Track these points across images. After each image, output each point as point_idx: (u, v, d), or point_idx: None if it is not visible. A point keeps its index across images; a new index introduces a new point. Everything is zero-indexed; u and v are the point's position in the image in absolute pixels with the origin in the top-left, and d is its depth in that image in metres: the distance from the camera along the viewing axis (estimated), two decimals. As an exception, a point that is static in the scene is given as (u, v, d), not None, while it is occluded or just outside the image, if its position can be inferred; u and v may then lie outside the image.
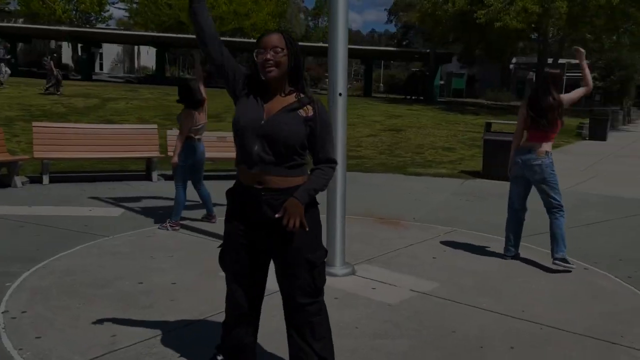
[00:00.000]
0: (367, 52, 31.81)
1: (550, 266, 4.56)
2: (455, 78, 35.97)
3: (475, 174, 10.37)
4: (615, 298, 4.00)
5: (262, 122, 2.33)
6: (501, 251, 4.98)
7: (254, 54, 2.36)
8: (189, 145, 5.60)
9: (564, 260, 4.44)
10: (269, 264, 2.56)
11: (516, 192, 4.80)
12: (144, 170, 8.91)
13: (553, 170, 4.55)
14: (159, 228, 5.56)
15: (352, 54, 38.59)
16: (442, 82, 34.56)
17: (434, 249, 5.19)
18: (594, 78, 34.55)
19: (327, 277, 4.03)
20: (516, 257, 4.89)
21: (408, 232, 5.80)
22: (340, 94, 4.14)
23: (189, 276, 4.14)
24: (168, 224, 5.56)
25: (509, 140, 10.02)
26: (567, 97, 4.60)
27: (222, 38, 2.57)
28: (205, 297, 3.71)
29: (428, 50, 30.43)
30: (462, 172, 10.64)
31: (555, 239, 4.51)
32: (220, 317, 3.34)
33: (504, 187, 9.19)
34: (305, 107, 2.38)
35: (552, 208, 4.57)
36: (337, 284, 4.06)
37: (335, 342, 2.55)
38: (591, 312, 3.70)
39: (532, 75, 46.98)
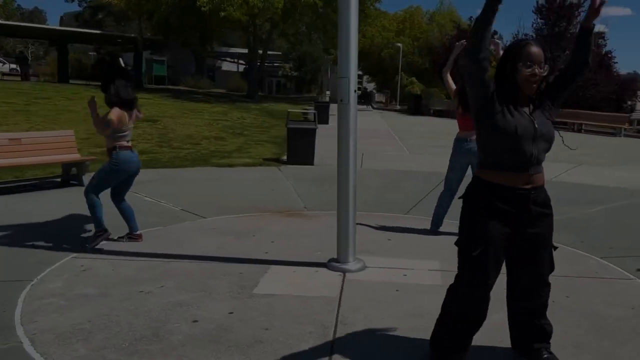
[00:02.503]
0: (62, 34, 28.27)
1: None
2: (156, 64, 35.08)
3: (276, 161, 10.91)
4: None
5: (536, 125, 2.47)
6: (417, 225, 5.78)
7: (519, 64, 2.43)
8: (127, 156, 4.67)
9: None
10: None
11: (458, 178, 5.43)
12: None
13: None
14: (88, 246, 4.66)
15: (43, 35, 33.44)
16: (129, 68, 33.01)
17: (372, 233, 5.60)
18: (289, 69, 38.88)
19: (348, 274, 4.14)
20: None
21: (327, 221, 6.01)
22: (355, 91, 4.18)
23: (231, 302, 3.60)
24: (95, 236, 4.67)
25: (310, 128, 10.96)
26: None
27: None
28: (290, 316, 3.37)
29: (134, 35, 28.94)
30: (265, 159, 11.04)
31: None
32: (348, 329, 3.19)
33: (325, 171, 10.06)
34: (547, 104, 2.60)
35: None
36: (368, 277, 4.16)
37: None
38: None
39: (220, 63, 49.36)
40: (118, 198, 4.91)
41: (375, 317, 3.41)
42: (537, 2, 25.02)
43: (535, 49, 2.45)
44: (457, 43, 5.40)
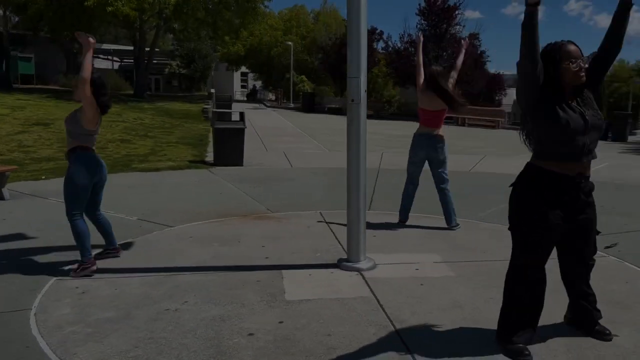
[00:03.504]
0: None
1: (444, 225, 5.72)
2: (22, 62, 31.76)
3: (202, 163, 10.51)
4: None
5: (587, 117, 2.69)
6: (388, 220, 5.93)
7: (565, 63, 2.66)
8: (91, 158, 4.23)
9: (457, 224, 5.67)
10: None
11: (419, 170, 5.70)
12: None
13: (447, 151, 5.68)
14: (71, 275, 4.05)
15: None
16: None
17: (351, 230, 5.65)
18: (176, 66, 37.24)
19: (364, 273, 4.22)
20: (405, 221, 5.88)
21: (301, 222, 5.97)
22: (365, 91, 4.19)
23: (272, 311, 3.46)
24: (80, 268, 4.08)
25: (239, 127, 10.70)
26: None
27: None
28: (341, 319, 3.32)
29: (-2, 29, 26.01)
30: (190, 162, 10.57)
31: (451, 209, 5.60)
32: (406, 326, 3.17)
33: (259, 171, 9.82)
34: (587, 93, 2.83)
35: (443, 182, 5.59)
36: (384, 274, 4.21)
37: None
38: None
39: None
40: (91, 211, 4.43)
41: (422, 312, 3.47)
42: (420, 5, 26.58)
43: (572, 47, 2.69)
44: (419, 36, 5.98)
